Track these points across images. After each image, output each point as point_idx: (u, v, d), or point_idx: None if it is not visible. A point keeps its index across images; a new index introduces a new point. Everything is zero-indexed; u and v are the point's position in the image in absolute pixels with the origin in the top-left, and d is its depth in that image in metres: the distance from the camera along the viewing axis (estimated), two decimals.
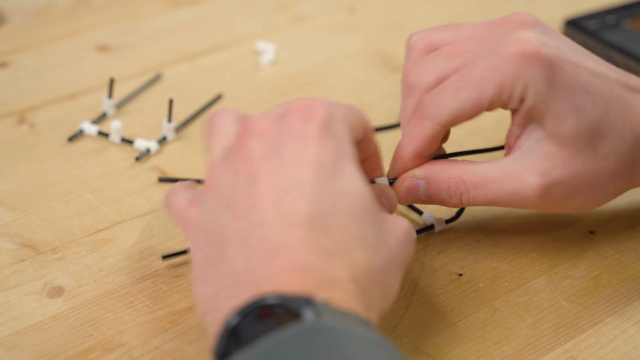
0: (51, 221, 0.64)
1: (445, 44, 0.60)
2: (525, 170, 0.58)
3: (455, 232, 0.64)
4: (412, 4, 0.94)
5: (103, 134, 0.73)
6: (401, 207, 0.66)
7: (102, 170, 0.69)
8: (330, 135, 0.51)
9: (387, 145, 0.72)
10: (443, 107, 0.58)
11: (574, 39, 0.86)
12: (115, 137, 0.72)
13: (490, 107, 0.57)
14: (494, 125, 0.73)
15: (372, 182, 0.60)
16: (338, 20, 0.91)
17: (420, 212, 0.65)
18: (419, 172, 0.60)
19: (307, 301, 0.44)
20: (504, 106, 0.58)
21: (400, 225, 0.51)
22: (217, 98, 0.78)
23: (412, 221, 0.65)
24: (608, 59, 0.84)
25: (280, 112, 0.52)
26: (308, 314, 0.44)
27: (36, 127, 0.74)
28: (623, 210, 0.67)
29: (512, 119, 0.59)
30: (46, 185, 0.67)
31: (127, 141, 0.72)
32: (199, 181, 0.62)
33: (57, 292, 0.58)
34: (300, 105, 0.52)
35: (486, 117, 0.63)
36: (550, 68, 0.57)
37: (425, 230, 0.64)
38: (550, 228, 0.65)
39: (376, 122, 0.76)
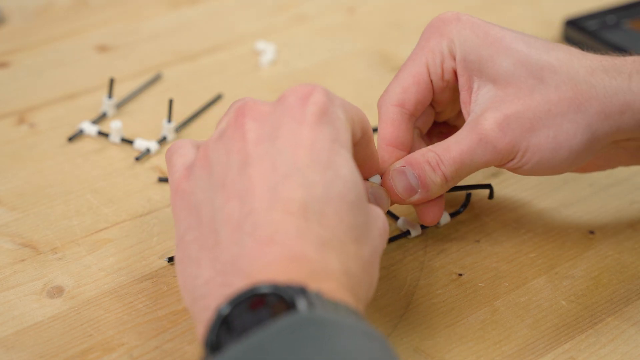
0: (51, 221, 0.64)
1: None
2: (477, 120, 0.58)
3: (455, 232, 0.64)
4: (412, 4, 0.94)
5: (103, 134, 0.73)
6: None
7: (102, 170, 0.69)
8: (328, 120, 0.50)
9: None
10: (389, 90, 0.61)
11: (574, 39, 0.87)
12: (115, 137, 0.72)
13: (430, 74, 0.60)
14: None
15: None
16: (338, 20, 0.91)
17: (396, 218, 0.65)
18: (399, 162, 0.60)
19: (301, 291, 0.44)
20: (443, 72, 0.60)
21: (380, 217, 0.52)
22: (217, 98, 0.78)
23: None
24: None
25: (279, 97, 0.52)
26: (301, 305, 0.44)
27: (36, 127, 0.74)
28: (623, 210, 0.67)
29: (458, 85, 0.60)
30: (46, 185, 0.67)
31: (127, 141, 0.72)
32: None
33: (57, 292, 0.58)
34: (299, 90, 0.51)
35: None
36: (471, 23, 0.60)
37: (401, 237, 0.63)
38: (550, 228, 0.65)
39: (376, 122, 0.76)
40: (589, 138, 0.58)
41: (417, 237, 0.64)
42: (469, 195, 0.65)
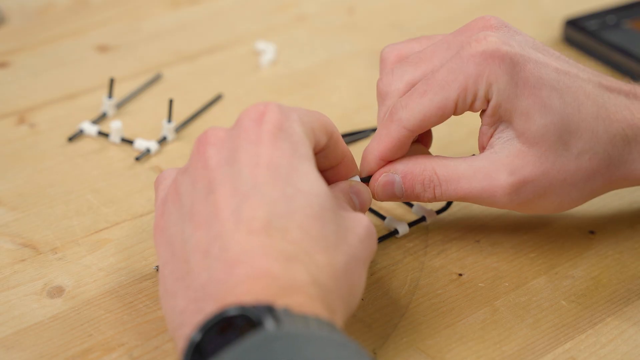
0: (51, 221, 0.64)
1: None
2: (495, 168, 0.58)
3: (455, 232, 0.64)
4: (412, 4, 0.94)
5: (103, 134, 0.73)
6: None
7: (102, 170, 0.69)
8: (284, 136, 0.51)
9: None
10: (409, 110, 0.58)
11: (574, 39, 0.87)
12: (115, 137, 0.72)
13: (456, 109, 0.57)
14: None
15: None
16: (338, 20, 0.91)
17: (383, 217, 0.65)
18: (394, 167, 0.60)
19: (267, 309, 0.44)
20: (472, 108, 0.58)
21: (360, 223, 0.51)
22: (217, 98, 0.78)
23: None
24: (608, 59, 0.84)
25: (235, 121, 0.52)
26: (268, 323, 0.44)
27: (36, 127, 0.74)
28: (623, 210, 0.67)
29: (482, 120, 0.58)
30: (46, 185, 0.67)
31: (127, 141, 0.72)
32: None
33: (57, 292, 0.58)
34: (253, 110, 0.52)
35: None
36: (512, 65, 0.56)
37: (389, 236, 0.63)
38: (550, 228, 0.65)
39: (376, 122, 0.76)
40: (588, 198, 0.60)
41: (417, 237, 0.64)
42: None
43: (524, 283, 0.60)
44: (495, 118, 0.58)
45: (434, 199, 0.59)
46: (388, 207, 0.66)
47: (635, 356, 0.56)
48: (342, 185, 0.57)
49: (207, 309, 0.46)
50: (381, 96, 0.61)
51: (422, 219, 0.64)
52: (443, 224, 0.65)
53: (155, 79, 0.80)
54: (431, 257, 0.62)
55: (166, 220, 0.51)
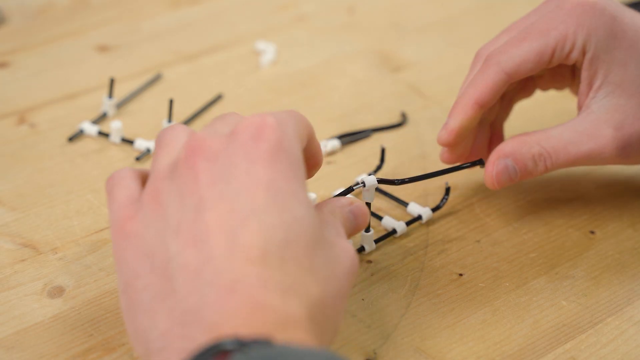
0: (51, 221, 0.64)
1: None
2: (598, 127, 0.59)
3: (455, 232, 0.64)
4: (412, 4, 0.94)
5: (103, 134, 0.73)
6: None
7: (102, 170, 0.69)
8: (283, 156, 0.48)
9: (387, 145, 0.73)
10: (508, 54, 0.59)
11: None
12: (115, 137, 0.72)
13: (553, 57, 0.59)
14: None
15: (349, 190, 0.59)
16: (338, 20, 0.91)
17: (380, 218, 0.65)
18: (502, 152, 0.61)
19: (265, 343, 0.43)
20: (567, 59, 0.59)
21: (347, 254, 0.49)
22: (217, 98, 0.78)
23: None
24: None
25: (230, 131, 0.49)
26: None
27: (36, 127, 0.74)
28: (623, 210, 0.67)
29: (581, 75, 0.60)
30: (46, 185, 0.67)
31: (127, 141, 0.72)
32: None
33: (57, 292, 0.58)
34: (251, 124, 0.48)
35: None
36: (611, 18, 0.59)
37: (388, 236, 0.63)
38: (551, 228, 0.65)
39: (376, 122, 0.76)
40: None
41: (417, 237, 0.64)
42: (448, 189, 0.66)
43: (525, 283, 0.61)
44: (592, 71, 0.59)
45: (546, 170, 0.61)
46: (385, 207, 0.66)
47: (635, 356, 0.56)
48: (343, 201, 0.54)
49: (198, 337, 0.44)
50: (478, 56, 0.63)
51: (419, 217, 0.64)
52: (443, 223, 0.65)
53: (155, 79, 0.80)
54: (431, 257, 0.62)
55: (143, 227, 0.48)
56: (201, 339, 0.44)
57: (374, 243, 0.62)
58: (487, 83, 0.60)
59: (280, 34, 0.88)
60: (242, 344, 0.42)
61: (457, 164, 0.64)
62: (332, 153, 0.72)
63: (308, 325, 0.45)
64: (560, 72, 0.65)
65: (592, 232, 0.65)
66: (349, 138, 0.73)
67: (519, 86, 0.66)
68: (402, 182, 0.61)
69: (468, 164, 0.63)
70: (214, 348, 0.43)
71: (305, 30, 0.89)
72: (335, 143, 0.72)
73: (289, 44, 0.86)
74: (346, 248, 0.49)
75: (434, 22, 0.91)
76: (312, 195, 0.63)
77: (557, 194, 0.68)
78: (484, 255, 0.63)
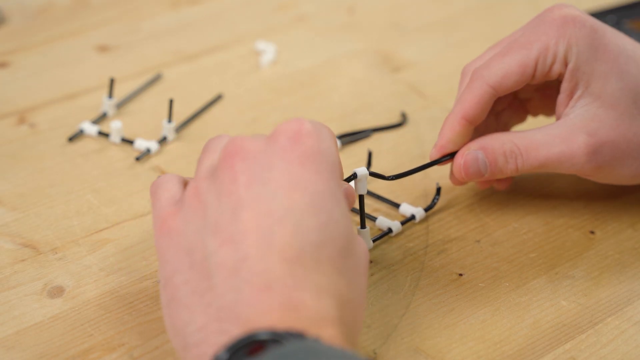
0: (51, 221, 0.64)
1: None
2: (572, 132, 0.59)
3: (455, 232, 0.64)
4: (412, 4, 0.94)
5: (103, 134, 0.73)
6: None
7: (102, 170, 0.69)
8: (321, 159, 0.49)
9: (387, 145, 0.73)
10: (492, 68, 0.60)
11: None
12: (115, 137, 0.72)
13: (536, 70, 0.60)
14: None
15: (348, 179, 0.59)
16: (338, 20, 0.91)
17: (374, 219, 0.65)
18: (474, 145, 0.61)
19: (299, 337, 0.44)
20: (550, 71, 0.60)
21: (362, 246, 0.50)
22: (217, 98, 0.78)
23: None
24: None
25: (268, 135, 0.50)
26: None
27: (36, 127, 0.74)
28: (623, 210, 0.67)
29: (560, 87, 0.60)
30: (46, 185, 0.67)
31: (127, 141, 0.72)
32: None
33: (57, 292, 0.58)
34: (289, 128, 0.49)
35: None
36: (592, 30, 0.59)
37: (384, 236, 0.63)
38: (550, 228, 0.65)
39: (376, 122, 0.76)
40: None
41: (417, 237, 0.64)
42: (439, 189, 0.66)
43: (524, 283, 0.61)
44: (573, 83, 0.59)
45: (516, 170, 0.61)
46: (377, 210, 0.66)
47: (635, 356, 0.56)
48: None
49: (233, 331, 0.45)
50: (463, 74, 0.64)
51: (412, 217, 0.64)
52: (443, 223, 0.65)
53: (155, 79, 0.80)
54: (431, 257, 0.62)
55: (184, 224, 0.49)
56: (235, 332, 0.45)
57: (371, 242, 0.62)
58: (473, 98, 0.61)
59: (280, 34, 0.88)
60: (276, 335, 0.43)
61: (443, 156, 0.63)
62: None
63: (339, 324, 0.46)
64: (549, 94, 0.65)
65: (592, 232, 0.65)
66: (349, 138, 0.73)
67: (511, 110, 0.67)
68: (394, 177, 0.62)
69: (448, 156, 0.63)
70: (249, 338, 0.44)
71: (305, 30, 0.89)
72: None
73: (289, 44, 0.86)
74: (360, 242, 0.51)
75: (434, 22, 0.91)
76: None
77: (557, 194, 0.68)
78: (484, 255, 0.63)
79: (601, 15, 0.87)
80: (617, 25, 0.86)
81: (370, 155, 0.69)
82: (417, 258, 0.62)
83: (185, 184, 0.53)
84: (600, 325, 0.58)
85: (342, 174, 0.51)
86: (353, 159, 0.71)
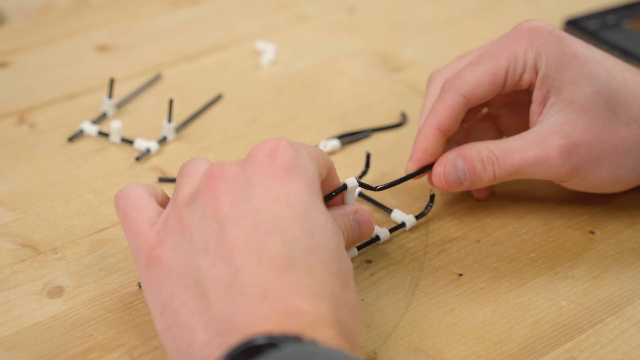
0: (51, 221, 0.64)
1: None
2: (546, 136, 0.60)
3: (455, 232, 0.64)
4: (412, 4, 0.94)
5: (103, 134, 0.73)
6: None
7: (102, 170, 0.69)
8: (298, 172, 0.51)
9: (387, 145, 0.73)
10: (463, 78, 0.61)
11: None
12: (115, 137, 0.72)
13: (506, 79, 0.60)
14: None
15: (330, 196, 0.59)
16: (338, 20, 0.91)
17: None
18: (452, 154, 0.61)
19: (296, 340, 0.44)
20: (521, 80, 0.60)
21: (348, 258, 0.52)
22: (217, 98, 0.78)
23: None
24: None
25: (245, 157, 0.52)
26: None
27: (36, 127, 0.74)
28: (623, 210, 0.67)
29: (532, 97, 0.61)
30: (46, 185, 0.67)
31: (127, 141, 0.72)
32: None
33: (57, 292, 0.58)
34: (265, 146, 0.51)
35: None
36: (559, 39, 0.60)
37: (371, 242, 0.63)
38: (550, 228, 0.65)
39: (376, 122, 0.76)
40: None
41: (417, 237, 0.64)
42: (432, 197, 0.65)
43: (524, 283, 0.61)
44: (545, 90, 0.60)
45: (494, 177, 0.61)
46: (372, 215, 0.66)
47: (635, 356, 0.56)
48: (347, 209, 0.58)
49: (233, 342, 0.46)
50: (430, 80, 0.65)
51: (402, 224, 0.64)
52: (443, 223, 0.65)
53: (155, 79, 0.80)
54: (431, 257, 0.62)
55: (172, 250, 0.50)
56: (234, 342, 0.46)
57: (356, 249, 0.62)
58: (446, 108, 0.61)
59: (280, 34, 0.88)
60: (273, 339, 0.44)
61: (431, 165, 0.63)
62: (332, 153, 0.72)
63: (336, 326, 0.47)
64: (518, 109, 0.66)
65: (592, 232, 0.65)
66: (349, 138, 0.73)
67: (482, 127, 0.67)
68: (382, 188, 0.62)
69: (428, 167, 0.63)
70: (247, 344, 0.45)
71: (305, 30, 0.89)
72: (335, 143, 0.72)
73: (289, 44, 0.86)
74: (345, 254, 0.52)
75: (434, 22, 0.91)
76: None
77: (557, 194, 0.68)
78: (483, 255, 0.63)
79: (601, 15, 0.87)
80: (617, 25, 0.86)
81: (368, 157, 0.69)
82: (417, 258, 0.62)
83: (154, 195, 0.54)
84: (600, 325, 0.58)
85: (319, 192, 0.52)
86: (353, 159, 0.71)
